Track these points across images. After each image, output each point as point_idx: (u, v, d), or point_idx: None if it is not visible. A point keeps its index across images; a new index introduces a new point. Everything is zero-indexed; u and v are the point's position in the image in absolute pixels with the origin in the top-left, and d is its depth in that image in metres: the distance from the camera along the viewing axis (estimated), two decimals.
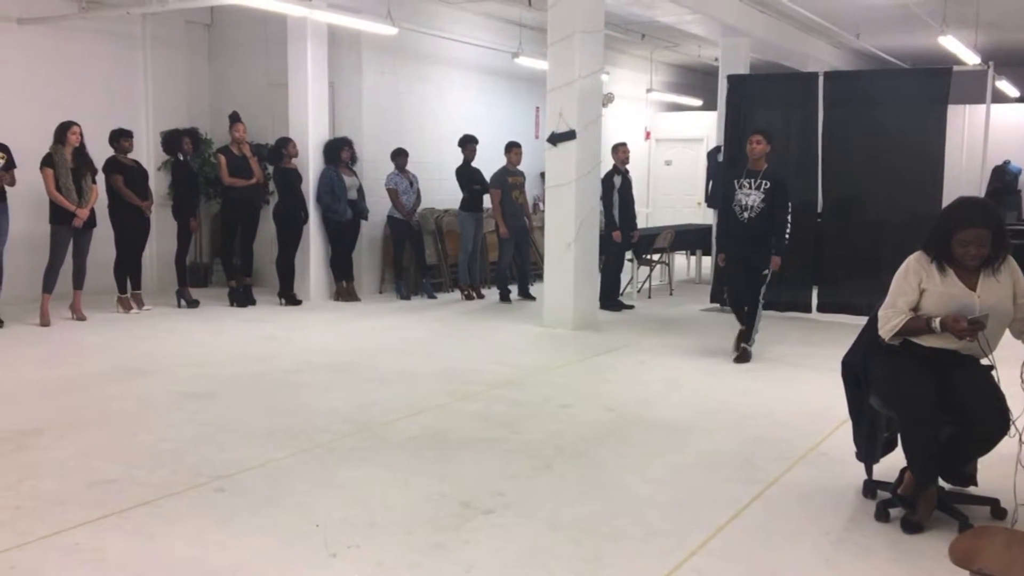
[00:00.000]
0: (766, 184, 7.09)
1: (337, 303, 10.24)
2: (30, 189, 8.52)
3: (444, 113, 12.11)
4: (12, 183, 8.10)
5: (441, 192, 11.64)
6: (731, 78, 10.31)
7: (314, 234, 10.24)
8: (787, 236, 7.10)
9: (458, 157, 10.88)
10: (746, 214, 7.13)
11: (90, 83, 10.12)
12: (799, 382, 6.73)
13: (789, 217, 7.09)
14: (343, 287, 10.40)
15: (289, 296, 10.00)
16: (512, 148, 10.60)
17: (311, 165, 10.12)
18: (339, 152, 10.15)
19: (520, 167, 10.61)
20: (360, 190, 10.37)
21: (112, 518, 3.89)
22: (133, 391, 6.09)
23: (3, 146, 8.08)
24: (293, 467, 4.63)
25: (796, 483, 4.51)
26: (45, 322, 8.33)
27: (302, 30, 9.99)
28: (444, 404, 5.90)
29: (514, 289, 10.79)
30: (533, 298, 10.53)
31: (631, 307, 10.24)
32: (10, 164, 8.09)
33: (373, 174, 10.72)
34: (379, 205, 10.62)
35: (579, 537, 3.77)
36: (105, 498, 4.11)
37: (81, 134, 8.44)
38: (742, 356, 7.33)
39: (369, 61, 10.83)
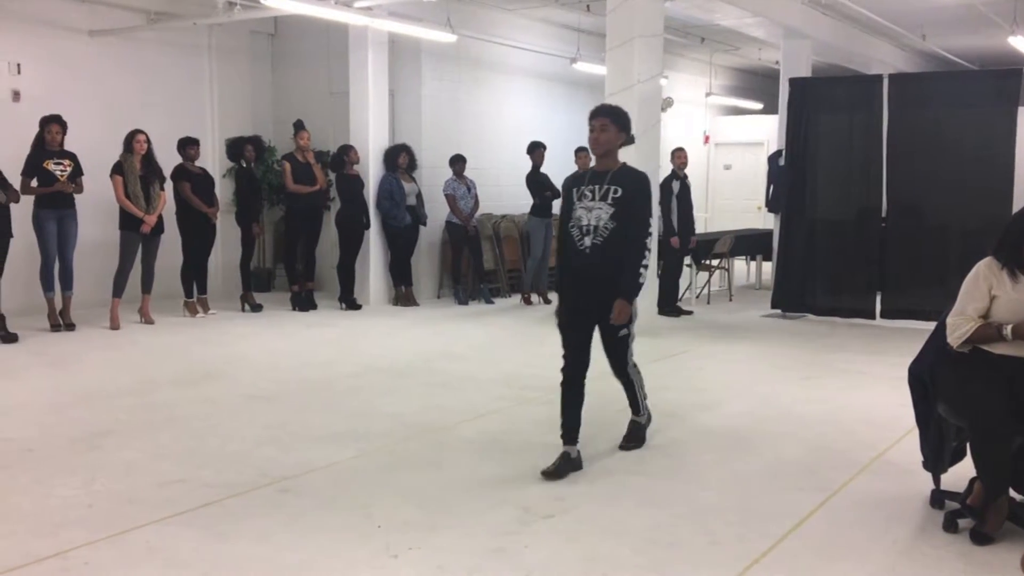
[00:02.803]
0: (615, 191, 4.53)
1: (396, 308, 10.35)
2: (100, 196, 8.77)
3: (502, 119, 12.17)
4: (79, 191, 8.35)
5: (499, 198, 11.69)
6: (793, 81, 10.18)
7: (374, 240, 10.37)
8: (643, 266, 4.54)
9: (516, 162, 10.92)
10: (587, 239, 4.54)
11: (158, 92, 10.39)
12: (863, 390, 6.61)
13: (650, 239, 4.69)
14: (402, 292, 10.51)
15: (349, 301, 10.14)
16: (580, 153, 10.62)
17: (371, 172, 10.26)
18: (397, 158, 10.26)
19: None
20: (419, 196, 10.47)
21: (181, 517, 3.98)
22: (200, 394, 6.23)
23: (71, 154, 8.34)
24: (356, 469, 4.70)
25: (861, 492, 4.43)
26: (115, 326, 8.57)
27: (363, 39, 10.14)
28: (504, 409, 5.93)
29: None
30: None
31: (690, 313, 10.15)
32: (77, 172, 8.34)
33: (432, 180, 10.82)
34: (437, 211, 10.71)
35: (640, 545, 3.75)
36: (174, 498, 4.21)
37: (148, 142, 8.67)
38: (631, 437, 5.11)
39: (428, 68, 10.93)
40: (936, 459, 4.17)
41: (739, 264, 13.15)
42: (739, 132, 17.80)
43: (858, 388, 6.65)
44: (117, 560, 3.55)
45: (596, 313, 4.63)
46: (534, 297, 10.87)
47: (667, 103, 14.28)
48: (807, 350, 8.11)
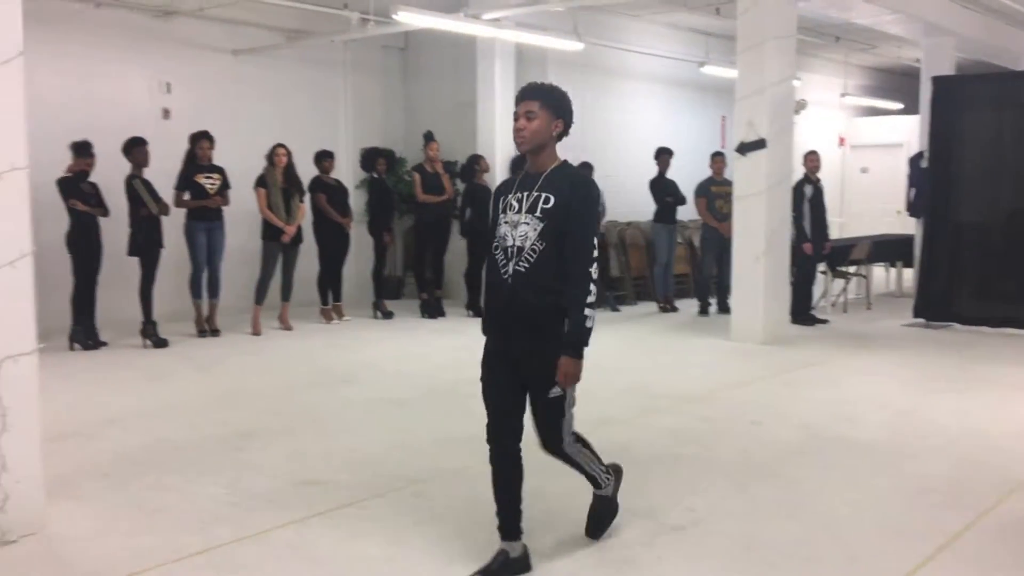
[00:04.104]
0: (547, 199, 3.39)
1: None
2: (243, 208, 9.20)
3: (628, 125, 12.10)
4: (226, 203, 8.78)
5: (624, 205, 11.61)
6: (936, 80, 9.72)
7: None
8: (590, 305, 3.38)
9: (642, 169, 10.82)
10: (510, 265, 3.41)
11: (296, 107, 10.82)
12: (1016, 403, 6.23)
13: (594, 266, 3.38)
14: None
15: (477, 308, 10.26)
16: (716, 158, 10.49)
17: (499, 180, 10.32)
18: (522, 167, 10.31)
19: (725, 176, 10.37)
20: None
21: (319, 517, 4.12)
22: (336, 397, 6.44)
23: (220, 168, 8.78)
24: (485, 475, 4.72)
25: (1015, 512, 4.17)
26: (256, 331, 8.95)
27: (491, 50, 10.29)
28: (631, 418, 5.88)
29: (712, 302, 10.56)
30: (730, 312, 10.29)
31: (825, 321, 9.81)
32: (225, 186, 8.77)
33: None
34: None
35: (774, 559, 3.65)
36: (313, 498, 4.36)
37: (288, 155, 9.04)
38: (598, 519, 3.91)
39: (555, 77, 10.96)
40: None
41: (878, 271, 12.62)
42: (876, 134, 17.11)
43: (1010, 402, 6.28)
44: (260, 557, 3.70)
45: (522, 364, 3.47)
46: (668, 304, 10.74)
47: (800, 105, 13.88)
48: (953, 361, 7.71)
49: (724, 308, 10.19)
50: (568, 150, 11.76)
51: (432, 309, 10.17)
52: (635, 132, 12.12)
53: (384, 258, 10.32)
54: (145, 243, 8.21)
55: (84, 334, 8.08)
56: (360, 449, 5.18)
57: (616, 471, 3.96)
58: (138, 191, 8.13)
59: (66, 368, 7.20)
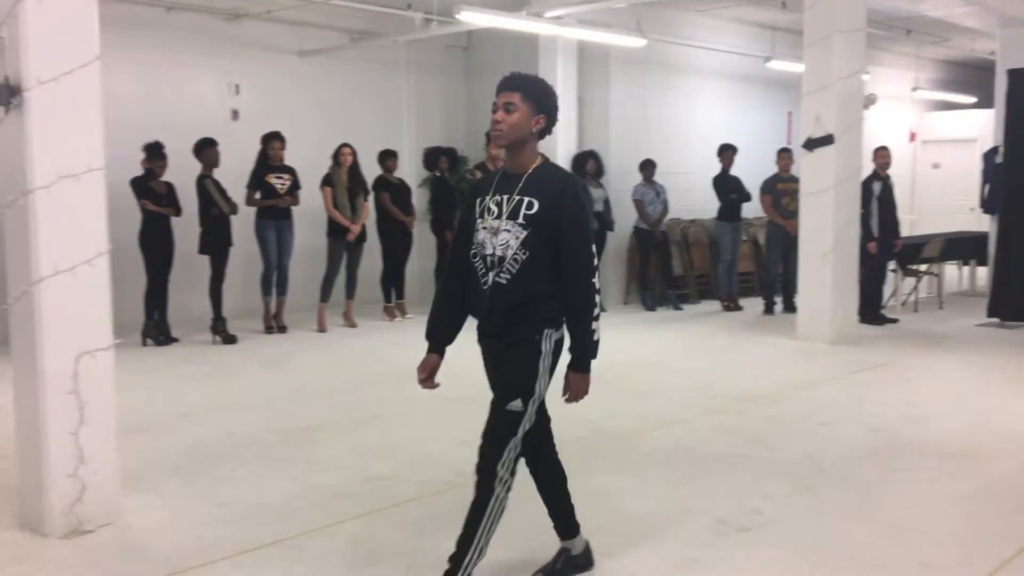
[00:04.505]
0: (531, 204, 3.14)
1: None
2: (308, 207, 9.34)
3: (692, 122, 11.98)
4: (295, 203, 8.93)
5: (688, 202, 11.51)
6: (1013, 73, 9.43)
7: None
8: (596, 318, 3.27)
9: (706, 166, 10.72)
10: (490, 275, 3.19)
11: (360, 107, 10.96)
12: None
13: (597, 275, 3.21)
14: None
15: None
16: (782, 154, 10.33)
17: None
18: (585, 165, 10.32)
19: (792, 172, 10.22)
20: (606, 202, 10.47)
21: (385, 512, 4.17)
22: (399, 394, 6.50)
23: (290, 169, 8.94)
24: None
25: None
26: (322, 328, 9.09)
27: (553, 48, 10.28)
28: (694, 418, 5.82)
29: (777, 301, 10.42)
30: (796, 310, 10.14)
31: (895, 321, 9.59)
32: (295, 186, 8.92)
33: (620, 185, 10.79)
34: (625, 216, 10.67)
35: (843, 563, 3.59)
36: (378, 493, 4.42)
37: (353, 154, 9.16)
38: None
39: (617, 74, 10.93)
40: None
41: (950, 269, 12.29)
42: (949, 128, 16.66)
43: None
44: (327, 550, 3.76)
45: (495, 372, 3.31)
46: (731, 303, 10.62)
47: (869, 100, 13.54)
48: None
49: (790, 307, 10.02)
50: (631, 147, 11.75)
51: None
52: (699, 129, 11.99)
53: (447, 256, 10.36)
54: (215, 242, 8.40)
55: (156, 330, 8.30)
56: (424, 446, 5.23)
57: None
58: (209, 191, 8.32)
59: (139, 363, 7.40)
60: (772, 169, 10.39)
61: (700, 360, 7.76)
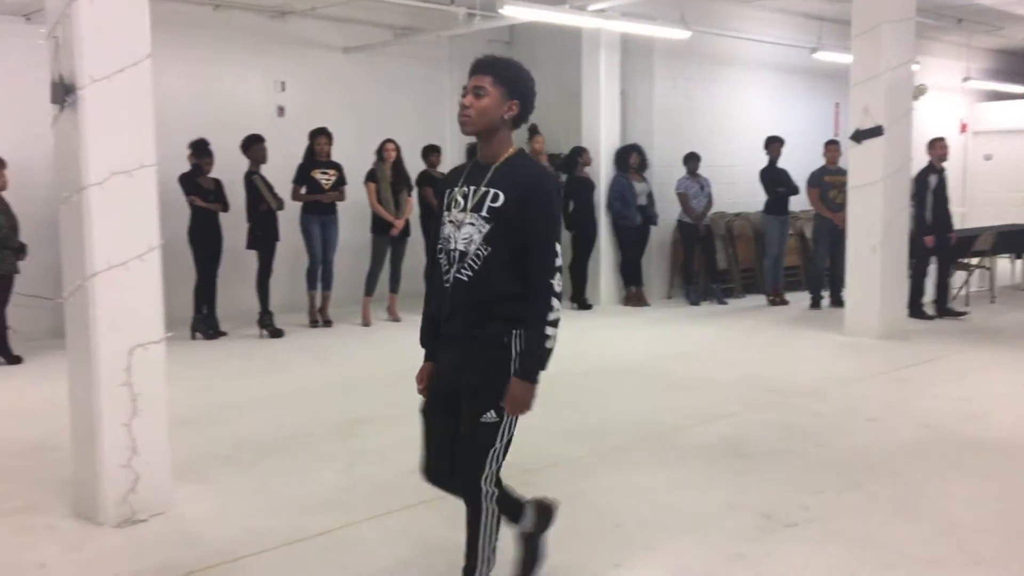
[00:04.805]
0: (496, 196, 2.92)
1: (626, 308, 10.35)
2: (353, 202, 9.41)
3: (737, 115, 11.85)
4: (341, 199, 9.02)
5: (732, 195, 11.39)
6: None
7: (604, 240, 10.43)
8: (552, 323, 2.90)
9: (751, 159, 10.60)
10: (451, 271, 2.98)
11: (403, 103, 11.01)
12: None
13: (558, 277, 2.91)
14: (632, 292, 10.50)
15: (580, 301, 10.26)
16: (829, 146, 10.19)
17: (603, 173, 10.34)
18: (628, 159, 10.28)
19: (839, 164, 10.07)
20: (650, 195, 10.42)
21: (431, 504, 4.19)
22: None
23: (336, 164, 9.02)
24: (590, 467, 4.75)
25: None
26: (366, 322, 9.17)
27: (596, 41, 10.24)
28: (739, 412, 5.78)
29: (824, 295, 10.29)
30: (843, 305, 10.01)
31: (964, 313, 9.39)
32: (341, 181, 9.00)
33: (664, 179, 10.72)
34: (669, 210, 10.60)
35: (893, 560, 3.54)
36: (423, 486, 4.41)
37: (397, 150, 9.21)
38: None
39: (660, 67, 10.85)
40: None
41: (1002, 263, 12.03)
42: (1002, 119, 16.28)
43: None
44: (375, 541, 3.80)
45: (456, 380, 3.02)
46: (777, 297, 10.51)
47: (919, 91, 13.31)
48: None
49: (837, 301, 9.89)
50: (674, 141, 11.66)
51: None
52: (744, 121, 11.86)
53: None
54: (263, 237, 8.51)
55: (205, 324, 8.44)
56: None
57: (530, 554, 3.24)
58: (257, 186, 8.43)
59: (188, 357, 7.52)
60: (818, 161, 10.25)
61: (745, 355, 7.69)
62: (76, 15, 3.76)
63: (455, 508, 4.13)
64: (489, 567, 3.11)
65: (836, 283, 9.99)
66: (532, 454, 4.91)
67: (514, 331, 2.91)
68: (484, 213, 2.90)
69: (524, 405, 2.93)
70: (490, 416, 2.93)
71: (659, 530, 3.85)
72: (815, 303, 10.13)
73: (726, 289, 10.93)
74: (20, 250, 7.43)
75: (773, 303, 10.47)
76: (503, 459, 3.01)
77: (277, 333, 8.53)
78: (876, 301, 8.15)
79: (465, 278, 2.92)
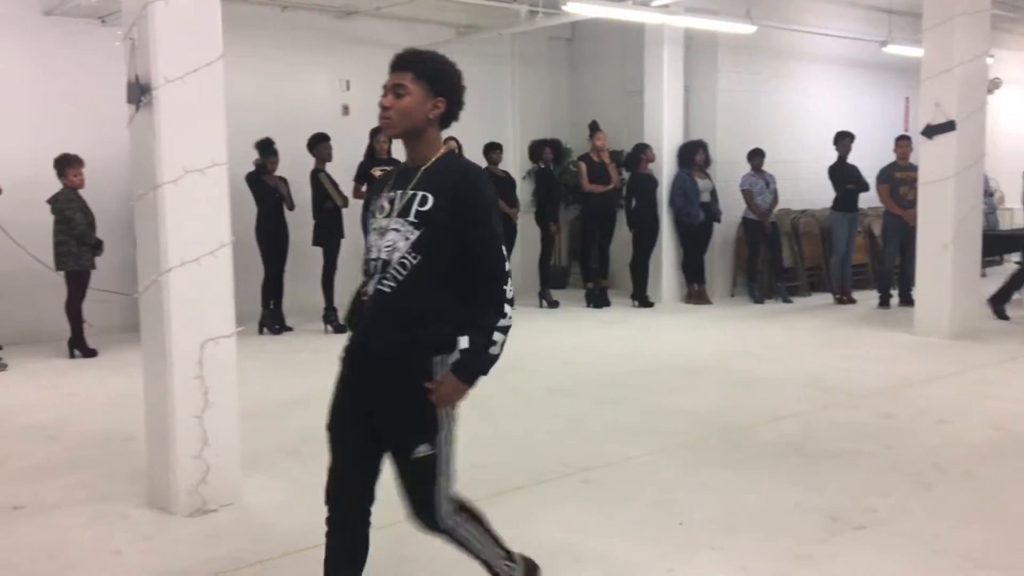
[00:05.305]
0: (424, 199, 2.66)
1: (688, 306, 10.26)
2: None
3: (803, 110, 11.66)
4: None
5: (799, 192, 11.21)
6: None
7: (667, 237, 10.36)
8: (502, 329, 2.66)
9: (817, 155, 10.42)
10: (371, 283, 2.72)
11: (465, 101, 11.03)
12: None
13: (508, 284, 2.66)
14: (694, 290, 10.40)
15: (642, 298, 10.20)
16: (900, 142, 9.97)
17: (665, 169, 10.26)
18: (693, 155, 10.19)
19: (911, 160, 9.84)
20: (713, 192, 10.31)
21: (489, 499, 4.21)
22: (505, 384, 6.56)
23: (397, 162, 9.06)
24: (653, 465, 4.73)
25: None
26: None
27: (659, 37, 10.16)
28: (805, 412, 5.69)
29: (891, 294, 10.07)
30: (913, 304, 9.78)
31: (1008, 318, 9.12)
32: None
33: (728, 175, 10.60)
34: (733, 207, 10.48)
35: (964, 565, 3.45)
36: (487, 480, 4.47)
37: (458, 148, 9.26)
38: None
39: (725, 62, 10.73)
40: None
41: None
42: None
43: None
44: (431, 541, 3.82)
45: (378, 413, 2.71)
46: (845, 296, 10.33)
47: (994, 84, 12.94)
48: None
49: (906, 300, 9.67)
50: (739, 137, 11.52)
51: (598, 299, 10.18)
52: (811, 116, 11.66)
53: (550, 248, 10.41)
54: (328, 234, 8.64)
55: (272, 320, 8.60)
56: (528, 435, 5.27)
57: (528, 566, 3.07)
58: (323, 184, 8.57)
59: (256, 351, 7.67)
60: (888, 157, 10.03)
61: (811, 354, 7.57)
62: (152, 17, 3.86)
63: (516, 503, 4.17)
64: (507, 566, 2.95)
65: (905, 281, 9.78)
66: (592, 451, 4.91)
67: (437, 356, 2.63)
68: (412, 217, 2.63)
69: (448, 398, 2.68)
70: (422, 450, 2.67)
71: (723, 529, 3.82)
72: (884, 302, 9.92)
73: (791, 287, 10.77)
74: (97, 247, 7.66)
75: (840, 302, 10.28)
76: (453, 483, 2.76)
77: (341, 329, 8.65)
78: (947, 300, 7.96)
79: (387, 288, 2.64)
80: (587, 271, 10.35)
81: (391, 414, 2.69)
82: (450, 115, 2.79)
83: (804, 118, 11.62)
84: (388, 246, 2.65)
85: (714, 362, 7.21)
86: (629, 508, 4.10)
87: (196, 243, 3.99)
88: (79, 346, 7.64)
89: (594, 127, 10.26)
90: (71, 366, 7.39)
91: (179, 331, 3.97)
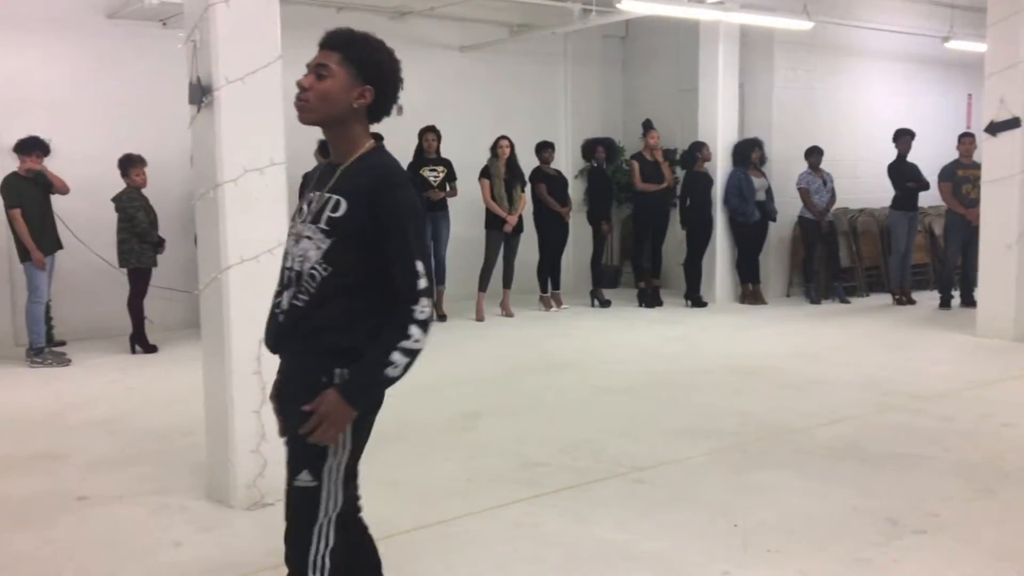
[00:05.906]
0: (336, 204, 2.35)
1: (742, 306, 10.14)
2: (467, 198, 9.54)
3: (861, 107, 11.45)
4: (452, 194, 9.16)
5: (857, 191, 11.02)
6: None
7: (721, 237, 10.25)
8: (404, 351, 2.31)
9: (876, 153, 10.24)
10: (284, 296, 2.43)
11: (518, 100, 11.08)
12: None
13: (423, 304, 2.32)
14: (749, 290, 10.28)
15: (695, 298, 10.11)
16: (963, 139, 9.75)
17: (720, 167, 10.16)
18: (749, 153, 10.07)
19: (974, 158, 9.61)
20: (769, 191, 10.18)
21: (544, 498, 4.23)
22: (556, 383, 6.57)
23: (445, 161, 9.17)
24: (707, 466, 4.69)
25: None
26: (480, 318, 9.28)
27: (714, 34, 10.07)
28: (863, 415, 5.59)
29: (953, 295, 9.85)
30: (975, 305, 9.55)
31: None
32: (450, 177, 9.14)
33: (784, 173, 10.46)
34: (790, 205, 10.33)
35: None
36: (537, 479, 4.48)
37: (511, 146, 9.28)
38: None
39: (780, 59, 10.58)
40: None
41: None
42: None
43: None
44: (490, 532, 3.85)
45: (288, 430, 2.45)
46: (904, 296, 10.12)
47: None
48: None
49: (968, 301, 9.44)
50: (795, 135, 11.33)
51: (650, 298, 10.11)
52: (869, 114, 11.45)
53: (602, 247, 10.37)
54: None
55: None
56: (581, 434, 5.25)
57: None
58: None
59: None
60: (949, 155, 9.80)
61: (870, 355, 7.43)
62: (213, 20, 3.93)
63: (569, 502, 4.16)
64: None
65: (967, 282, 9.55)
66: (645, 452, 4.89)
67: (337, 370, 2.31)
68: (323, 224, 2.32)
69: (330, 426, 2.27)
70: (304, 479, 2.36)
71: (779, 532, 3.77)
72: (945, 303, 9.70)
73: (849, 287, 10.59)
74: (159, 244, 7.83)
75: (899, 302, 10.08)
76: (335, 536, 2.42)
77: None
78: (1011, 301, 7.76)
79: (301, 303, 2.35)
80: (639, 270, 10.29)
81: (291, 434, 2.39)
82: (380, 108, 2.44)
83: (862, 115, 11.41)
84: (300, 255, 2.36)
85: (769, 363, 7.12)
86: (683, 509, 4.07)
87: (255, 241, 4.05)
88: (140, 342, 7.82)
89: (647, 125, 10.21)
90: (133, 362, 7.57)
91: (238, 327, 4.04)
